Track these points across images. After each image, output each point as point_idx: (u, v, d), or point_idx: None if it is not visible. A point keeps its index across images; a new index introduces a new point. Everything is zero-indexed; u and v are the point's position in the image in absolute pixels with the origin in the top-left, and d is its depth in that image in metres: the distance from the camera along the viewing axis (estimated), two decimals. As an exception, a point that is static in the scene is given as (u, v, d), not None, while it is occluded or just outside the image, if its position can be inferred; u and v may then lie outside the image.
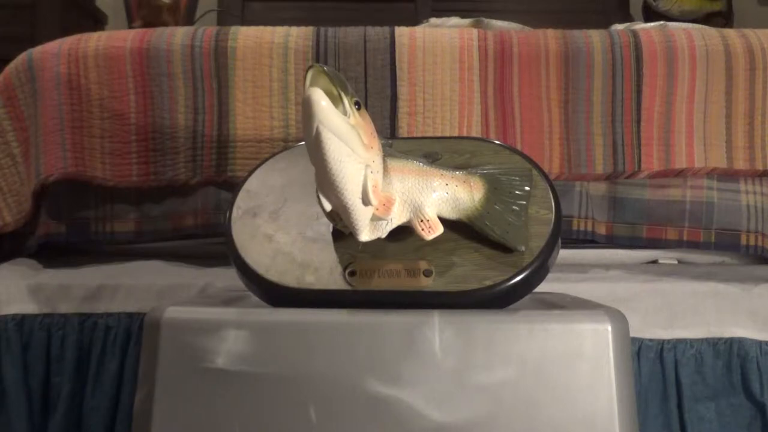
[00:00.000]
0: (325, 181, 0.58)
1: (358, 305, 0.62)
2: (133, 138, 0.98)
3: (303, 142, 0.76)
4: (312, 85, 0.56)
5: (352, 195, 0.58)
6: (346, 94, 0.57)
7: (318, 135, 0.55)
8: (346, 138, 0.56)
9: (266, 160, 0.76)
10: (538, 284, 0.65)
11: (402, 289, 0.64)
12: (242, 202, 0.72)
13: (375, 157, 0.60)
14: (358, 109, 0.58)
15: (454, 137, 0.83)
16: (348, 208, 0.59)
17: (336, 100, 0.56)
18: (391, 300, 0.63)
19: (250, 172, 0.75)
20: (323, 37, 1.00)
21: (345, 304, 0.62)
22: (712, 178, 0.99)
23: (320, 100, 0.55)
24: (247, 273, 0.67)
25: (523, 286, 0.63)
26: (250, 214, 0.70)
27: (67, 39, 1.03)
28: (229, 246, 0.69)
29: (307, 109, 0.55)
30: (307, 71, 0.56)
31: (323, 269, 0.65)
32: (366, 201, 0.59)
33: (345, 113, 0.57)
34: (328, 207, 0.61)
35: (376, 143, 0.60)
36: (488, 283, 0.62)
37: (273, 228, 0.69)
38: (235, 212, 0.71)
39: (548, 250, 0.64)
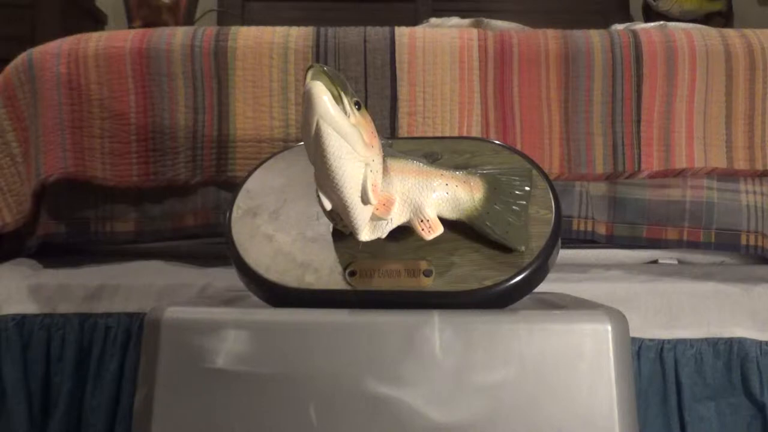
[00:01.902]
0: (324, 179, 0.58)
1: (358, 305, 0.62)
2: (133, 138, 0.98)
3: (303, 142, 0.76)
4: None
5: (351, 193, 0.58)
6: (347, 94, 0.57)
7: (318, 130, 0.55)
8: (347, 134, 0.56)
9: (266, 160, 0.76)
10: (538, 284, 0.65)
11: (402, 289, 0.63)
12: (242, 202, 0.72)
13: (375, 156, 0.59)
14: (359, 109, 0.58)
15: (454, 137, 0.83)
16: (347, 206, 0.59)
17: (336, 100, 0.56)
18: (391, 300, 0.63)
19: (250, 172, 0.74)
20: (323, 37, 1.00)
21: (345, 304, 0.62)
22: (712, 178, 0.99)
23: (321, 93, 0.55)
24: (247, 273, 0.67)
25: (523, 286, 0.63)
26: (250, 214, 0.70)
27: (67, 39, 1.03)
28: (229, 246, 0.69)
29: (308, 101, 0.55)
30: (307, 71, 0.56)
31: (323, 269, 0.65)
32: (365, 199, 0.59)
33: (345, 113, 0.56)
34: (328, 206, 0.60)
35: (376, 142, 0.60)
36: (488, 283, 0.62)
37: (273, 228, 0.69)
38: (235, 212, 0.71)
39: (548, 250, 0.64)
